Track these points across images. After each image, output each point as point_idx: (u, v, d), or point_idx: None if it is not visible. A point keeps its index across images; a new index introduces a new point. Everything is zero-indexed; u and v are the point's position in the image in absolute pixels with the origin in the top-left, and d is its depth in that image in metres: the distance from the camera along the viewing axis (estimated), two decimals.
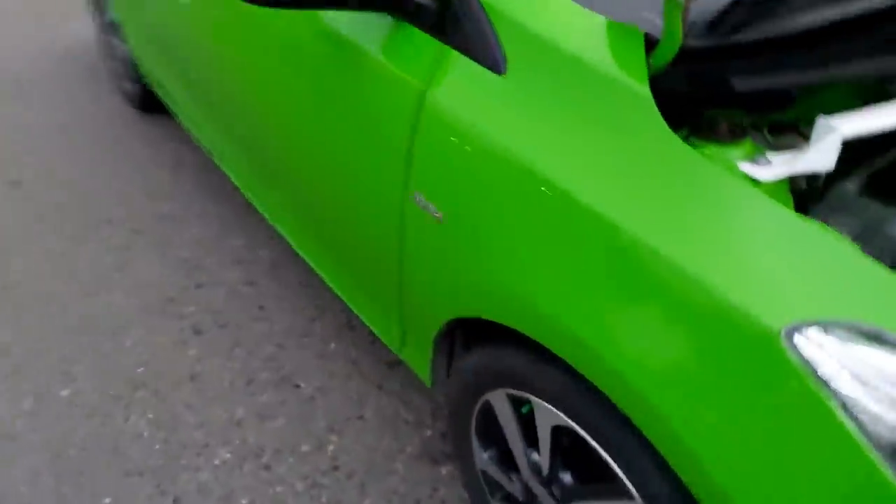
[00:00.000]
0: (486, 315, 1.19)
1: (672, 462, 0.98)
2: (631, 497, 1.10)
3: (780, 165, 1.04)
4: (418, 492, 1.68)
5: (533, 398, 1.22)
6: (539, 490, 1.33)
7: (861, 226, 1.11)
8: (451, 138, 1.18)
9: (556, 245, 1.05)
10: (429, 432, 1.82)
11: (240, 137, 1.94)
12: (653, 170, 0.98)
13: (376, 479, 1.71)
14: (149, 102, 3.09)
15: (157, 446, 1.79)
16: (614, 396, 1.02)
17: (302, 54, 1.51)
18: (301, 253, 1.89)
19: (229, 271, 2.32)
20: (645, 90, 1.00)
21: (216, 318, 2.14)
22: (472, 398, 1.39)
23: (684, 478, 0.97)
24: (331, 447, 1.78)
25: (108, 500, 1.67)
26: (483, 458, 1.45)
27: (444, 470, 1.73)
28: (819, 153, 1.03)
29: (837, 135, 1.01)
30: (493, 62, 1.15)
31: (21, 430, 1.82)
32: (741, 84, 1.06)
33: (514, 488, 1.41)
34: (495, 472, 1.44)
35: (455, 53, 1.21)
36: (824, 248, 0.90)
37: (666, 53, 1.03)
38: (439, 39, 1.24)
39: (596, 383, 1.03)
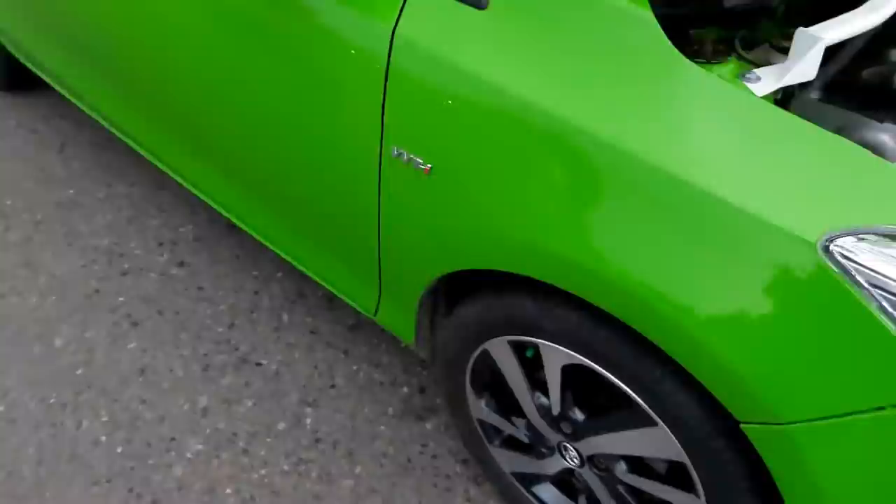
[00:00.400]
0: (493, 265, 1.16)
1: (707, 382, 1.00)
2: (652, 423, 1.13)
3: (769, 79, 1.07)
4: (408, 450, 1.67)
5: (540, 341, 1.22)
6: (546, 430, 1.34)
7: None
8: (434, 85, 1.13)
9: (568, 181, 1.03)
10: (405, 390, 1.80)
11: (160, 108, 1.78)
12: (666, 94, 0.98)
13: (363, 445, 1.68)
14: (13, 81, 2.80)
15: (120, 449, 1.67)
16: (642, 327, 1.03)
17: (237, 8, 1.40)
18: (245, 226, 1.78)
19: (153, 254, 2.16)
20: (648, 14, 0.99)
21: (152, 306, 2.00)
22: (467, 350, 1.37)
23: (718, 394, 1.00)
24: (308, 420, 1.72)
25: None
26: (480, 407, 1.45)
27: (428, 425, 1.72)
28: (805, 63, 1.06)
29: (821, 44, 1.05)
30: None
31: None
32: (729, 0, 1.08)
33: (517, 432, 1.42)
34: (494, 419, 1.44)
35: None
36: (841, 154, 0.93)
37: None
38: None
39: (626, 319, 1.04)
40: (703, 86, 0.98)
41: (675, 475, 1.23)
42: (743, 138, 0.95)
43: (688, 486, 1.17)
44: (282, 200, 1.60)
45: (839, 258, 0.87)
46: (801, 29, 1.07)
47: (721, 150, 0.95)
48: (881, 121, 1.11)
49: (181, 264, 2.13)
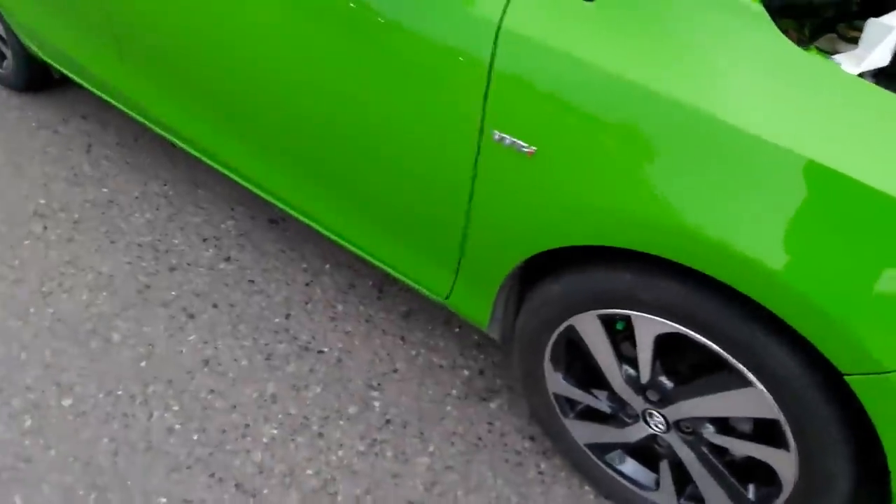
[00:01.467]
0: (598, 240, 1.24)
1: (814, 338, 1.08)
2: (747, 384, 1.22)
3: (848, 64, 1.17)
4: (476, 429, 1.74)
5: (634, 313, 1.30)
6: (633, 399, 1.42)
7: None
8: (542, 74, 1.21)
9: (680, 158, 1.11)
10: (466, 372, 1.86)
11: (227, 108, 1.81)
12: (776, 74, 1.07)
13: (432, 425, 1.74)
14: (31, 81, 2.80)
15: (195, 436, 1.70)
16: (751, 290, 1.11)
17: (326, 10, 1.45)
18: (307, 219, 1.82)
19: (199, 250, 2.19)
20: (757, 6, 1.08)
21: (205, 299, 2.03)
22: (550, 326, 1.44)
23: (824, 349, 1.09)
24: (377, 404, 1.78)
25: (163, 500, 1.58)
26: (558, 380, 1.52)
27: (493, 405, 1.79)
28: (881, 50, 1.16)
29: (894, 32, 1.15)
30: None
31: (33, 450, 1.66)
32: None
33: (598, 403, 1.49)
34: (573, 392, 1.52)
35: None
36: None
37: None
38: None
39: (735, 284, 1.12)
40: (810, 66, 1.07)
41: (760, 433, 1.32)
42: (846, 110, 1.05)
43: (777, 442, 1.26)
44: (354, 192, 1.65)
45: None
46: (872, 19, 1.18)
47: (823, 120, 1.04)
48: None
49: (228, 259, 2.16)
